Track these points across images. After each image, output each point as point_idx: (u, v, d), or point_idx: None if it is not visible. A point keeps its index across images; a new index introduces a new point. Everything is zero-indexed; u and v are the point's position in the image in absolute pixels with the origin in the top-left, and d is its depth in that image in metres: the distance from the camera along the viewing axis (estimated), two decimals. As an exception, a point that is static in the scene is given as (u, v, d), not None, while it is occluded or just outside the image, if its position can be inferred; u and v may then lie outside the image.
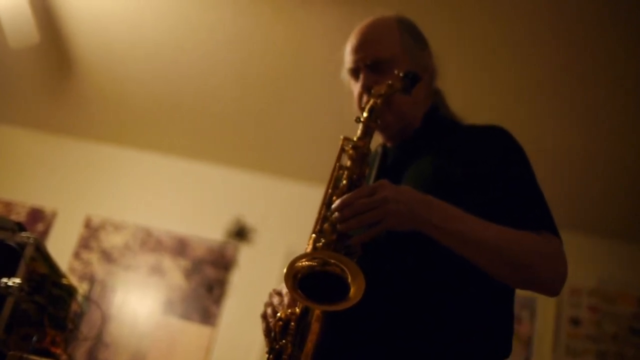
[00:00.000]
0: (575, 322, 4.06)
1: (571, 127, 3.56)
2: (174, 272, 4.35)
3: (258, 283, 4.25)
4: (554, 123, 3.49)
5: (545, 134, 3.53)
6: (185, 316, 4.22)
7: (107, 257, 4.40)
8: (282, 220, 4.43)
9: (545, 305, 4.04)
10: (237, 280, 4.30)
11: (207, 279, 4.32)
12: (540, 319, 4.05)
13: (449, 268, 1.26)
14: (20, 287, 1.57)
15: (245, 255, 4.37)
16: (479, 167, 1.33)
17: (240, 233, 4.39)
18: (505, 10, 3.13)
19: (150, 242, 4.43)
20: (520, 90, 3.48)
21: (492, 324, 1.29)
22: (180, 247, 4.41)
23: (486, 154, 1.36)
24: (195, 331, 4.18)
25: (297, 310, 1.19)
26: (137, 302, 4.28)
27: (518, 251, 1.21)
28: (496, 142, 1.39)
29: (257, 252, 4.36)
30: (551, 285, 1.26)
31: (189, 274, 4.34)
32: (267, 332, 1.28)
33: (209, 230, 4.42)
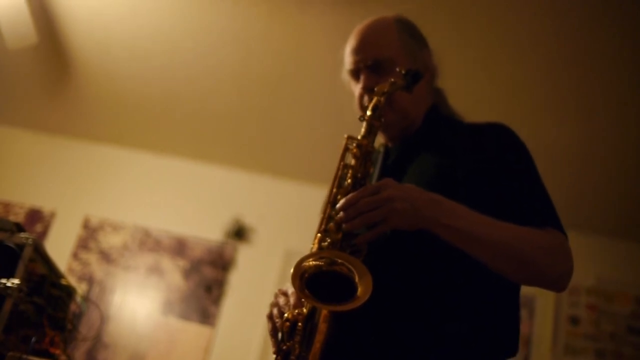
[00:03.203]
0: (574, 320, 4.06)
1: (569, 125, 3.57)
2: (173, 272, 4.35)
3: (257, 283, 4.25)
4: (551, 121, 3.50)
5: (543, 132, 3.53)
6: (184, 316, 4.22)
7: (106, 257, 4.40)
8: (281, 221, 4.43)
9: (544, 304, 4.04)
10: (236, 280, 4.30)
11: (206, 279, 4.32)
12: (539, 317, 4.05)
13: (454, 266, 1.26)
14: (19, 287, 1.57)
15: (244, 255, 4.37)
16: (481, 164, 1.32)
17: (239, 233, 4.39)
18: (503, 8, 3.14)
19: (148, 242, 4.43)
20: (518, 87, 3.48)
21: (497, 321, 1.28)
22: (178, 248, 4.41)
23: (488, 151, 1.35)
24: (194, 331, 4.18)
25: (304, 310, 1.19)
26: (135, 302, 4.28)
27: (523, 248, 1.21)
28: (498, 139, 1.39)
29: (256, 252, 4.36)
30: (557, 281, 1.27)
31: (187, 274, 4.34)
32: (274, 332, 1.27)
33: (208, 231, 4.42)
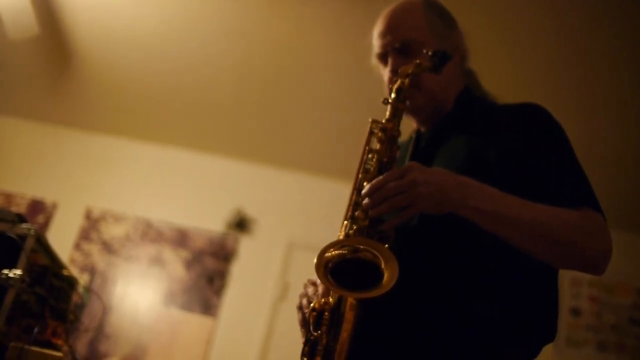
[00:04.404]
0: (575, 312, 4.07)
1: (569, 125, 3.55)
2: (175, 263, 4.37)
3: (258, 274, 4.27)
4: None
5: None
6: (186, 307, 4.25)
7: (108, 248, 4.42)
8: (283, 212, 4.45)
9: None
10: (238, 271, 4.32)
11: (208, 270, 4.34)
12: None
13: (483, 248, 1.23)
14: (21, 278, 1.58)
15: (246, 246, 4.38)
16: (515, 145, 1.29)
17: (241, 224, 4.41)
18: (503, 8, 3.14)
19: (150, 233, 4.46)
20: (518, 87, 3.48)
21: (529, 304, 1.25)
22: (180, 238, 4.43)
23: (522, 131, 1.31)
24: (195, 322, 4.20)
25: (331, 299, 1.17)
26: (137, 293, 4.30)
27: (559, 229, 1.17)
28: (531, 119, 1.35)
29: (258, 243, 4.37)
30: (596, 262, 1.21)
31: (189, 265, 4.36)
32: (303, 323, 1.26)
33: (209, 222, 4.44)
